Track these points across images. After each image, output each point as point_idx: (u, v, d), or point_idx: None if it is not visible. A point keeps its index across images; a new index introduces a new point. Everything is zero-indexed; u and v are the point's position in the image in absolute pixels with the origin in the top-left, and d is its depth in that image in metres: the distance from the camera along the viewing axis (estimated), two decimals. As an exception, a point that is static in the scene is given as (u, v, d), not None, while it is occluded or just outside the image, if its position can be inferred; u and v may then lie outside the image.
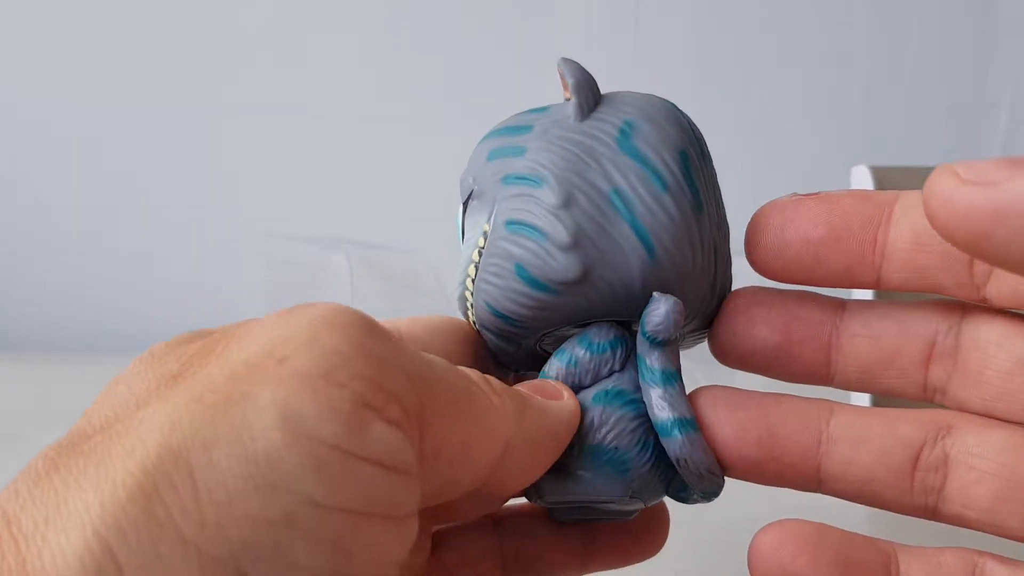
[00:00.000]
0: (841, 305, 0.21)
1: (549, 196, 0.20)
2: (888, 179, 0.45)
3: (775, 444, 0.21)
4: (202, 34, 0.70)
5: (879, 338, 0.21)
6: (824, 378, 0.22)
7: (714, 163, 0.22)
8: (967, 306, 0.21)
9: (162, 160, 0.72)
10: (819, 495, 0.21)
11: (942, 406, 0.21)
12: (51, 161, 0.71)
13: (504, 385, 0.20)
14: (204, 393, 0.15)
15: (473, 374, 0.19)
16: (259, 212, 0.72)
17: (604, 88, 0.23)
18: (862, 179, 0.46)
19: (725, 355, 0.22)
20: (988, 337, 0.20)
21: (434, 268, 0.60)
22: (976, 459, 0.20)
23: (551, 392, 0.21)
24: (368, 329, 0.16)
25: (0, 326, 0.72)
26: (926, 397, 0.21)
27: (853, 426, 0.21)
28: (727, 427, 0.21)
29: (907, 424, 0.21)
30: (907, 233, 0.20)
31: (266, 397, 0.14)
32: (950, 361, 0.21)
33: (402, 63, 0.71)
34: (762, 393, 0.21)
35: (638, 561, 0.24)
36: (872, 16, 0.72)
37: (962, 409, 0.21)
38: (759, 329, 0.21)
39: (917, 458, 0.20)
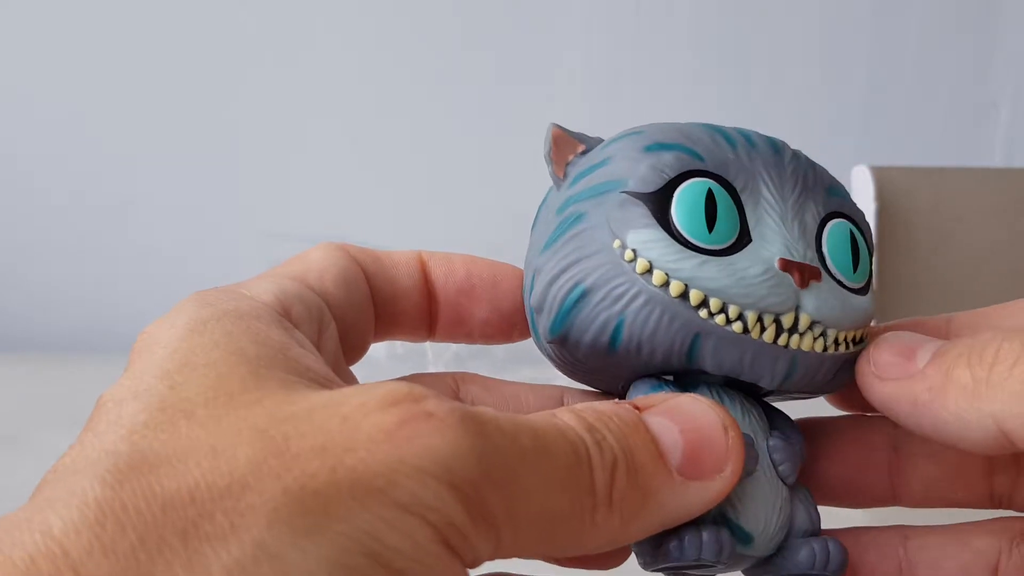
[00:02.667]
0: (897, 425, 0.22)
1: None
2: (888, 179, 0.45)
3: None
4: (202, 35, 0.70)
5: (940, 454, 0.22)
6: (890, 500, 0.22)
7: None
8: None
9: (162, 160, 0.72)
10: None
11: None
12: (51, 161, 0.71)
13: (633, 478, 0.17)
14: (306, 496, 0.14)
15: (587, 480, 0.16)
16: (259, 212, 0.72)
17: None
18: (862, 179, 0.46)
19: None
20: None
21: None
22: None
23: (711, 466, 0.18)
24: (474, 478, 0.15)
25: (0, 326, 0.72)
26: (993, 506, 0.22)
27: (928, 548, 0.21)
28: None
29: (980, 537, 0.21)
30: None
31: (360, 521, 0.14)
32: (1014, 469, 0.21)
33: (403, 64, 0.71)
34: (838, 529, 0.21)
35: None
36: (872, 16, 0.72)
37: None
38: (837, 467, 0.22)
39: (996, 569, 0.21)
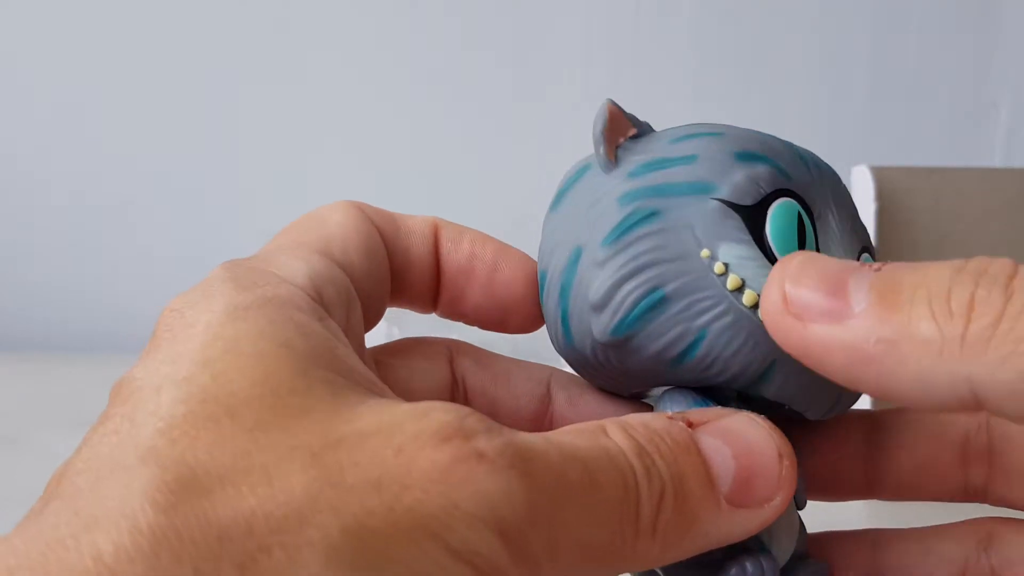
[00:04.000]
0: (870, 418, 0.21)
1: None
2: (888, 179, 0.45)
3: None
4: (202, 34, 0.70)
5: (913, 447, 0.21)
6: (865, 492, 0.21)
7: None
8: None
9: (163, 160, 0.72)
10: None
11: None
12: (51, 161, 0.71)
13: (680, 505, 0.16)
14: (365, 535, 0.14)
15: (632, 511, 0.16)
16: (259, 212, 0.72)
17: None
18: (862, 179, 0.46)
19: None
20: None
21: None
22: (1021, 567, 0.20)
23: (761, 495, 0.17)
24: (519, 521, 0.15)
25: (0, 326, 0.72)
26: (968, 499, 0.21)
27: (897, 554, 0.20)
28: None
29: (947, 543, 0.21)
30: None
31: (418, 567, 0.14)
32: (985, 461, 0.21)
33: (403, 65, 0.71)
34: (810, 535, 0.21)
35: None
36: (873, 16, 0.72)
37: (1006, 504, 0.21)
38: (811, 462, 0.21)
39: (964, 574, 0.20)
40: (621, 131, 0.20)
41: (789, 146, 0.20)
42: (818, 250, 0.19)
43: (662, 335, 0.18)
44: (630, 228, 0.18)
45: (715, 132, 0.20)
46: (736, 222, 0.18)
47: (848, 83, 0.72)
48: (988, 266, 0.15)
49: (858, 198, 0.44)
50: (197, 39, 0.70)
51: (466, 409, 0.16)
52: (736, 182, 0.18)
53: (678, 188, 0.19)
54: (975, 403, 0.15)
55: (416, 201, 0.72)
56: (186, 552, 0.13)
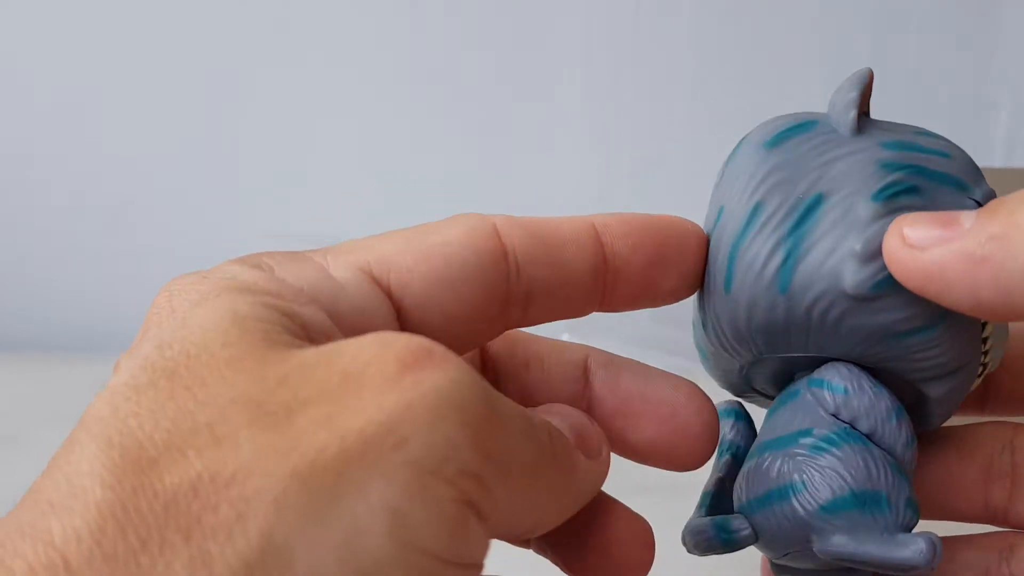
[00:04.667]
0: None
1: None
2: (888, 179, 0.45)
3: None
4: (202, 34, 0.70)
5: (937, 463, 0.21)
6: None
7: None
8: (1018, 426, 0.21)
9: (162, 160, 0.71)
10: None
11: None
12: (51, 161, 0.71)
13: (600, 435, 0.19)
14: (312, 473, 0.13)
15: (571, 437, 0.18)
16: (259, 212, 0.72)
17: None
18: (862, 179, 0.46)
19: None
20: None
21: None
22: None
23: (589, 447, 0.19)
24: (486, 415, 0.15)
25: (0, 326, 0.72)
26: (988, 519, 0.22)
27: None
28: None
29: (969, 550, 0.21)
30: None
31: (377, 493, 0.13)
32: (1008, 481, 0.21)
33: (404, 64, 0.71)
34: None
35: None
36: (872, 16, 0.72)
37: None
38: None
39: None
40: (865, 103, 0.22)
41: None
42: None
43: (909, 307, 0.19)
44: (897, 194, 0.19)
45: (949, 145, 0.22)
46: (973, 205, 0.20)
47: (848, 83, 0.72)
48: None
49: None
50: (196, 39, 0.70)
51: (408, 333, 0.15)
52: (986, 192, 0.20)
53: (937, 176, 0.20)
54: None
55: (416, 201, 0.72)
56: (131, 524, 0.13)
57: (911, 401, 0.20)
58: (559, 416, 0.19)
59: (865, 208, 0.19)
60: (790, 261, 0.19)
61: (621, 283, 0.20)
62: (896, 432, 0.19)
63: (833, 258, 0.19)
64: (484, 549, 0.15)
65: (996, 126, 0.73)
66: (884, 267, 0.19)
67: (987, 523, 0.22)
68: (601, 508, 0.21)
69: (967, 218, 0.17)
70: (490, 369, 0.22)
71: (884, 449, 0.19)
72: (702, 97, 0.71)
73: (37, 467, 0.15)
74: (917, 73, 0.72)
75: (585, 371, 0.22)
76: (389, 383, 0.14)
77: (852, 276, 0.19)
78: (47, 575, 0.12)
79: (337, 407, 0.14)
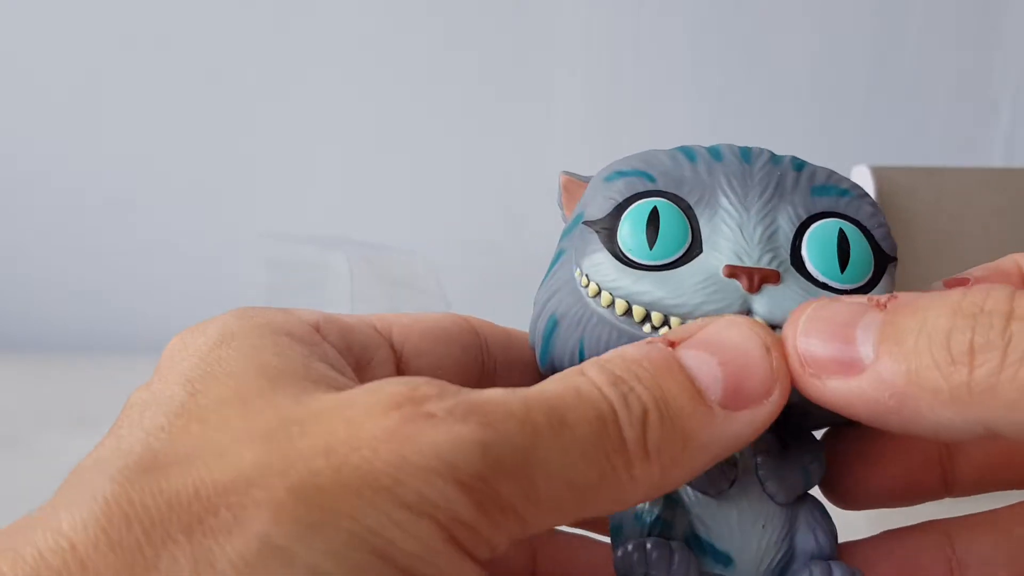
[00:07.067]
0: None
1: None
2: (888, 179, 0.45)
3: None
4: (202, 34, 0.70)
5: (988, 443, 0.20)
6: (942, 493, 0.21)
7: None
8: None
9: (162, 160, 0.72)
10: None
11: None
12: (52, 160, 0.71)
13: (668, 423, 0.16)
14: (311, 494, 0.14)
15: (616, 439, 0.16)
16: (259, 212, 0.72)
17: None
18: (862, 179, 0.46)
19: (849, 501, 0.21)
20: None
21: (434, 268, 0.60)
22: None
23: (756, 393, 0.17)
24: (480, 471, 0.15)
25: (0, 326, 0.72)
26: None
27: (977, 544, 0.20)
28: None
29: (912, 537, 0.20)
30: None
31: (370, 522, 0.14)
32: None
33: (401, 65, 0.71)
34: (880, 536, 0.21)
35: None
36: (872, 16, 0.72)
37: None
38: (891, 469, 0.21)
39: None
40: (579, 193, 0.22)
41: (682, 150, 0.21)
42: (697, 235, 0.20)
43: (563, 352, 0.20)
44: (548, 272, 0.21)
45: (609, 165, 0.21)
46: (593, 236, 0.20)
47: (848, 83, 0.72)
48: (984, 302, 0.15)
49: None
50: (197, 39, 0.70)
51: (422, 378, 0.16)
52: (596, 203, 0.20)
53: (572, 224, 0.21)
54: (997, 437, 0.15)
55: (416, 201, 0.72)
56: (136, 517, 0.14)
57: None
58: (708, 352, 0.17)
59: (535, 301, 0.21)
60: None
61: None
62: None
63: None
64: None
65: (996, 126, 0.73)
66: (538, 343, 0.21)
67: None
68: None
69: (864, 341, 0.16)
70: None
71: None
72: (702, 97, 0.71)
73: (37, 467, 0.15)
74: (917, 73, 0.72)
75: None
76: (388, 434, 0.15)
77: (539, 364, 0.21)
78: (54, 558, 0.13)
79: (337, 444, 0.15)
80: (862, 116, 0.72)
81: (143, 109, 0.70)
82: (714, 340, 0.17)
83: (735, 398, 0.17)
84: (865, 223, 0.21)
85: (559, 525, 0.17)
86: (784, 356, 0.17)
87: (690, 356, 0.17)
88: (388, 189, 0.72)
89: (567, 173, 0.22)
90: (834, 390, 0.16)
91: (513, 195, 0.71)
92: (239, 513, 0.14)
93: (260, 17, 0.70)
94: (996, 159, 0.73)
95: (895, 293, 0.17)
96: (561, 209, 0.22)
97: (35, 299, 0.72)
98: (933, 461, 0.21)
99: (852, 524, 0.22)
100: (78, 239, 0.72)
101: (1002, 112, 0.73)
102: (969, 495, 0.21)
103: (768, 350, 0.17)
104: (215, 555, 0.13)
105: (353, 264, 0.67)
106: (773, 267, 0.19)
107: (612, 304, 0.19)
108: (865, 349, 0.16)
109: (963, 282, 0.19)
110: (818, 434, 0.21)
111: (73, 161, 0.71)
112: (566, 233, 0.21)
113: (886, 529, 0.21)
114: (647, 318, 0.19)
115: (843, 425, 0.21)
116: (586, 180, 0.22)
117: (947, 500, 0.22)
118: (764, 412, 0.17)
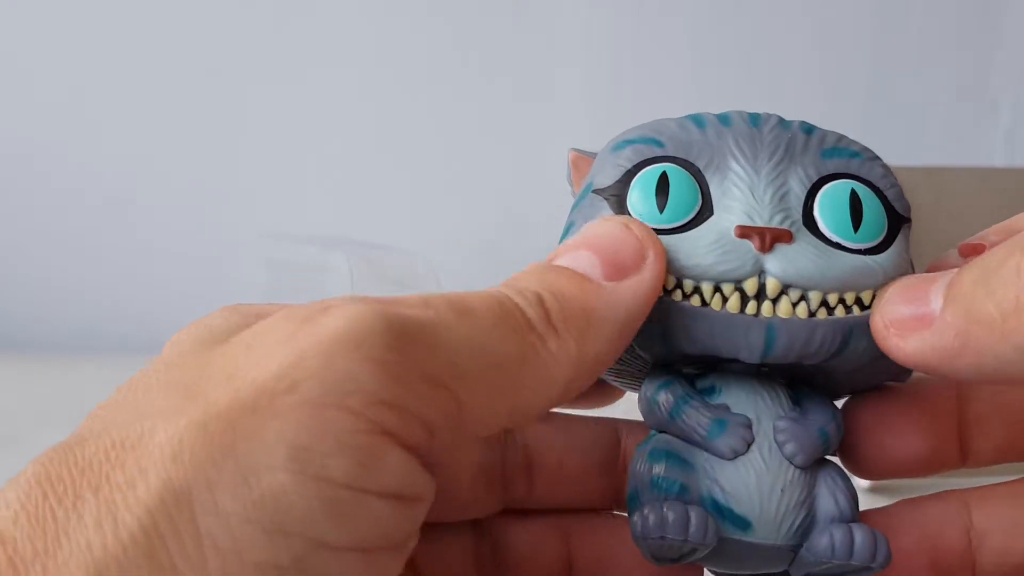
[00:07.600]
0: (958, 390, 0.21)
1: None
2: (888, 179, 0.45)
3: (937, 555, 0.20)
4: (202, 34, 0.70)
5: (1009, 409, 0.21)
6: (959, 464, 0.21)
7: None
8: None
9: (162, 160, 0.71)
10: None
11: None
12: (51, 160, 0.71)
13: (564, 302, 0.17)
14: (209, 420, 0.14)
15: (521, 319, 0.17)
16: (259, 212, 0.72)
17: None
18: (862, 179, 0.46)
19: (868, 470, 0.21)
20: None
21: (434, 268, 0.60)
22: None
23: (632, 260, 0.18)
24: (388, 341, 0.15)
25: (0, 326, 0.72)
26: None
27: (998, 514, 0.20)
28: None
29: (931, 505, 0.20)
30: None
31: (273, 433, 0.14)
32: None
33: (402, 64, 0.71)
34: (898, 504, 0.21)
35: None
36: (873, 16, 0.72)
37: None
38: (910, 439, 0.21)
39: None
40: (586, 169, 0.22)
41: (690, 117, 0.21)
42: (708, 198, 0.20)
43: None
44: (563, 240, 0.20)
45: (617, 136, 0.21)
46: (603, 203, 0.20)
47: (848, 83, 0.72)
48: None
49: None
50: (197, 38, 0.70)
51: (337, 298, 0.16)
52: (605, 171, 0.20)
53: (580, 196, 0.21)
54: None
55: (416, 201, 0.72)
56: (52, 489, 0.14)
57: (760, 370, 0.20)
58: (576, 249, 0.18)
59: None
60: None
61: None
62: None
63: None
64: (414, 476, 0.15)
65: (996, 126, 0.73)
66: None
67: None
68: None
69: (936, 293, 0.17)
70: (519, 446, 0.23)
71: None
72: (702, 97, 0.71)
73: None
74: (917, 73, 0.72)
75: (616, 435, 0.23)
76: (284, 340, 0.15)
77: None
78: None
79: (237, 369, 0.15)
80: (862, 116, 0.72)
81: (143, 109, 0.70)
82: (577, 240, 0.19)
83: (615, 270, 0.18)
84: (877, 183, 0.21)
85: (496, 418, 0.16)
86: (644, 226, 0.19)
87: (563, 259, 0.18)
88: (388, 189, 0.72)
89: (575, 149, 0.22)
90: (913, 346, 0.17)
91: (513, 195, 0.71)
92: (143, 463, 0.14)
93: (260, 17, 0.70)
94: (996, 159, 0.73)
95: (982, 242, 0.18)
96: (571, 185, 0.22)
97: (35, 299, 0.72)
98: (952, 431, 0.21)
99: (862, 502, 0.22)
100: (78, 239, 0.72)
101: (1002, 112, 0.73)
102: (985, 466, 0.21)
103: (626, 225, 0.18)
104: (118, 507, 0.13)
105: (353, 264, 0.67)
106: (785, 227, 0.19)
107: None
108: (936, 302, 0.17)
109: (979, 248, 0.20)
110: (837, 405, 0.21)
111: (73, 161, 0.71)
112: (576, 205, 0.21)
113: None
114: None
115: (863, 391, 0.21)
116: (594, 155, 0.22)
117: (963, 472, 0.22)
118: (648, 273, 0.18)
